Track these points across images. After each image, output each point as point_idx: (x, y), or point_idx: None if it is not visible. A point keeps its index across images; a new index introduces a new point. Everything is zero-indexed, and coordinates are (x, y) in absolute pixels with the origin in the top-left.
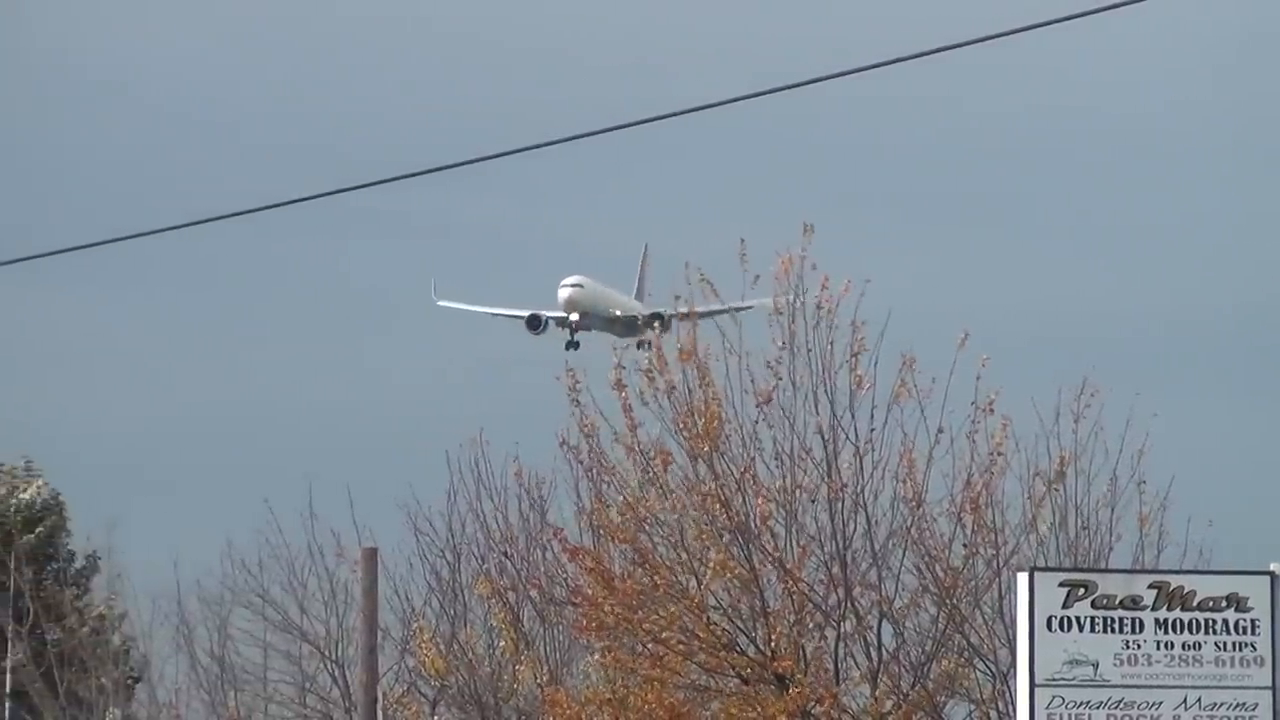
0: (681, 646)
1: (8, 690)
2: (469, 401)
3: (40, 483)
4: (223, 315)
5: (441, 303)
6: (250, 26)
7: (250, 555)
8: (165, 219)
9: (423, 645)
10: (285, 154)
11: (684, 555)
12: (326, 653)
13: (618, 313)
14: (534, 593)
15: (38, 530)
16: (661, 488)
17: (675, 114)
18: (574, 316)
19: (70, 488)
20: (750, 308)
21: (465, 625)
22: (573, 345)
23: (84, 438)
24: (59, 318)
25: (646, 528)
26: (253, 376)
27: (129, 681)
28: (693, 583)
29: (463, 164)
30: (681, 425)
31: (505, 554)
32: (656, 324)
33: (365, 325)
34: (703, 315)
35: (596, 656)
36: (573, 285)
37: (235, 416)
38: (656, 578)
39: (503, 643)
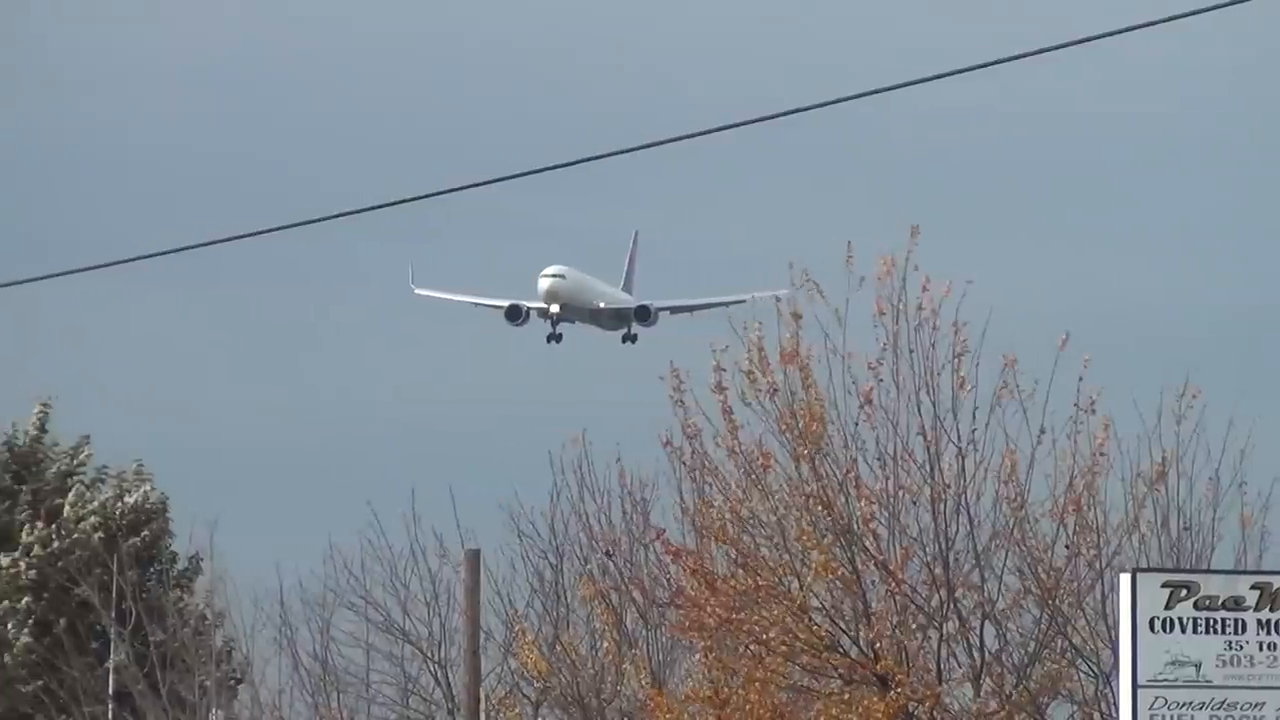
0: (784, 648)
1: (110, 691)
2: (571, 401)
3: (148, 487)
4: (325, 315)
5: (419, 291)
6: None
7: (352, 556)
8: (265, 220)
9: (525, 647)
10: (389, 152)
11: (786, 556)
12: (429, 654)
13: (601, 304)
14: (637, 594)
15: (143, 534)
16: (764, 489)
17: (782, 114)
18: (554, 308)
19: (172, 488)
20: (743, 301)
21: (568, 627)
22: (555, 338)
23: (186, 438)
24: (162, 318)
25: (749, 528)
26: (356, 377)
27: (231, 682)
28: (795, 584)
29: (565, 165)
30: (784, 426)
31: (608, 554)
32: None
33: (465, 324)
34: (696, 308)
35: (698, 657)
36: (553, 275)
37: (337, 417)
38: (759, 579)
39: (605, 644)
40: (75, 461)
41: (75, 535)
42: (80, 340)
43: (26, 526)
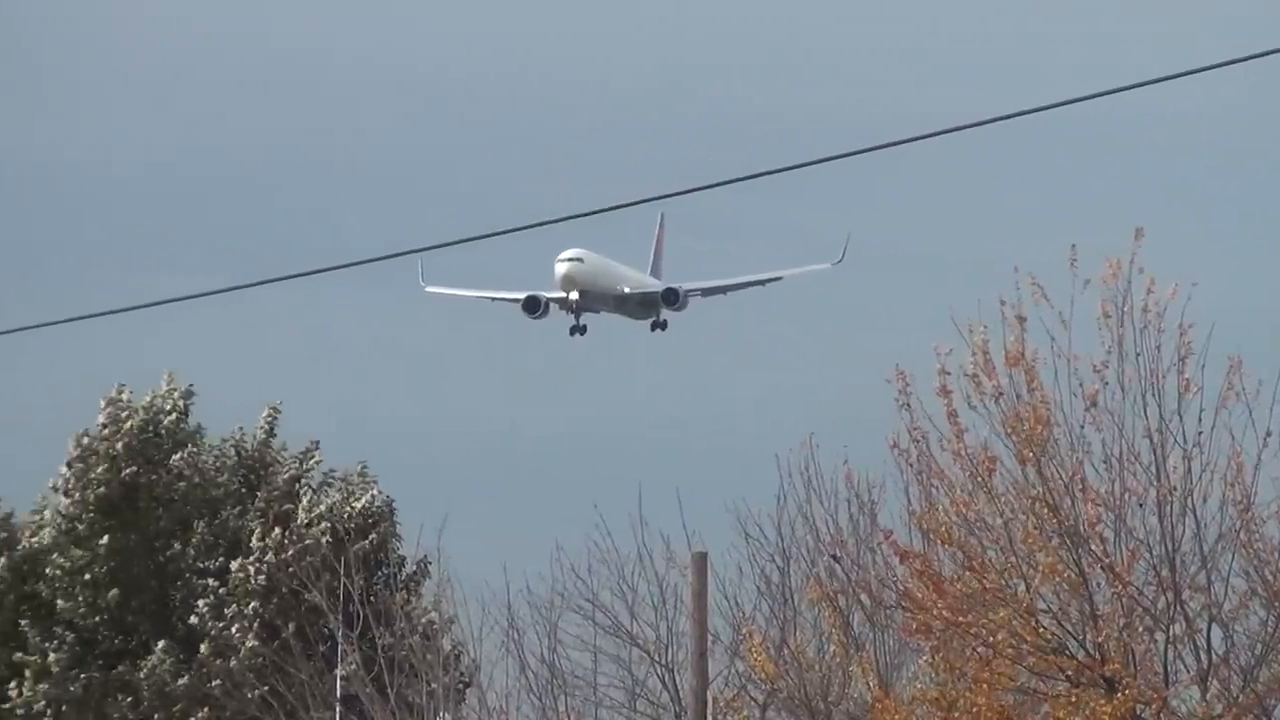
0: (1011, 650)
1: (338, 695)
2: (796, 404)
3: (374, 490)
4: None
5: (430, 289)
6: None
7: (579, 559)
8: (501, 220)
9: (752, 649)
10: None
11: (1013, 559)
12: (656, 657)
13: (626, 290)
14: (864, 596)
15: (370, 537)
16: (989, 491)
17: (1011, 115)
18: (573, 295)
19: (398, 492)
20: (779, 279)
21: (795, 629)
22: (578, 330)
23: (412, 439)
24: (393, 322)
25: (975, 531)
26: (584, 380)
27: (459, 686)
28: (1022, 586)
29: (792, 167)
30: (1009, 429)
31: (834, 556)
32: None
33: (694, 328)
34: (729, 289)
35: (925, 659)
36: (570, 260)
37: (565, 417)
38: (985, 581)
39: (832, 646)
40: (304, 466)
41: (306, 540)
42: (307, 345)
43: (257, 531)
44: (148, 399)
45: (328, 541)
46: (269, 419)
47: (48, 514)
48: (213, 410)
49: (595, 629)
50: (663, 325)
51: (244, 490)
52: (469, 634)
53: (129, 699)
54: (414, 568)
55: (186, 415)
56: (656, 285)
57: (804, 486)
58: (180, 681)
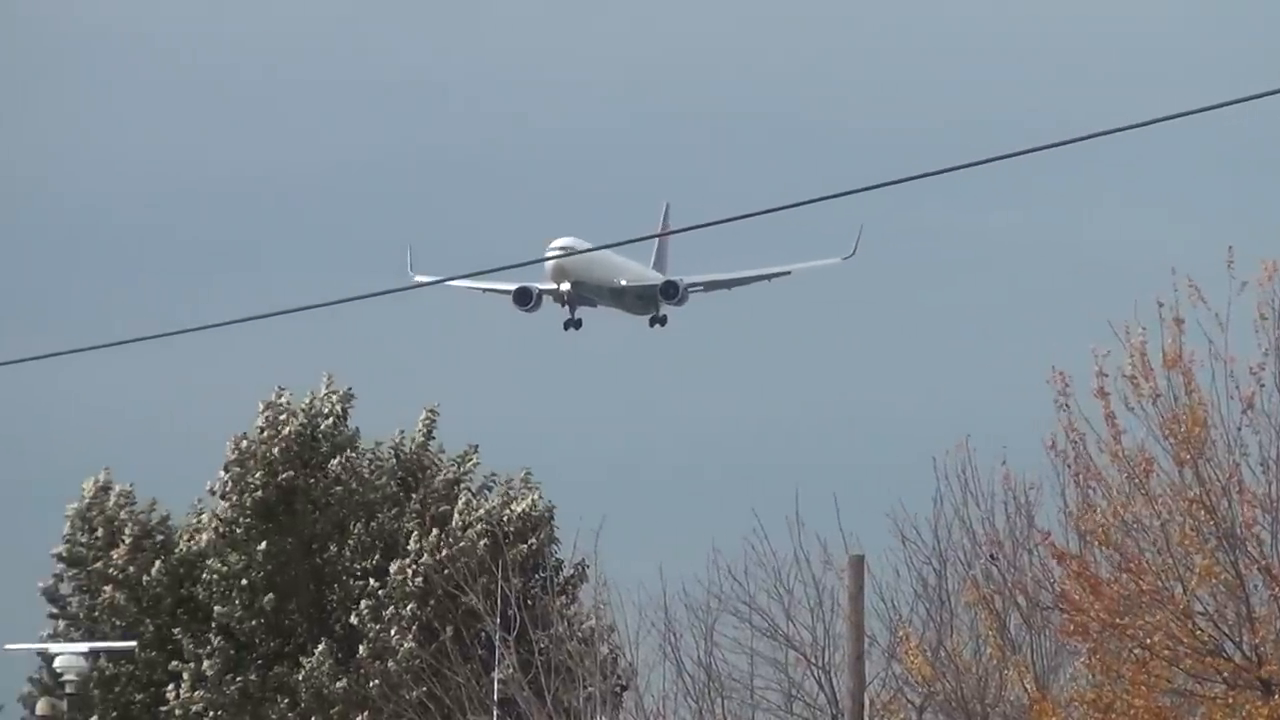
0: (1167, 652)
1: (495, 698)
2: (949, 405)
3: (536, 495)
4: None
5: (418, 278)
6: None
7: (736, 562)
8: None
9: (909, 652)
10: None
11: (1169, 561)
12: (813, 660)
13: (622, 282)
14: (1020, 598)
15: (529, 542)
16: (1146, 493)
17: (1176, 115)
18: (564, 287)
19: (559, 496)
20: (788, 273)
21: (951, 631)
22: (573, 324)
23: (569, 439)
24: (549, 333)
25: (1132, 533)
26: (738, 385)
27: (616, 690)
28: (1178, 588)
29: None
30: (1167, 431)
31: (992, 558)
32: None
33: (864, 332)
34: (733, 284)
35: (1082, 661)
36: (561, 249)
37: (722, 417)
38: (1142, 583)
39: (989, 648)
40: (462, 469)
41: (462, 543)
42: (465, 348)
43: (414, 534)
44: (306, 402)
45: (485, 545)
46: (427, 421)
47: (205, 518)
48: (366, 412)
49: (752, 631)
50: (662, 320)
51: (401, 493)
52: (626, 637)
53: (286, 700)
54: (571, 571)
55: (345, 418)
56: (656, 278)
57: (960, 489)
58: (339, 684)
